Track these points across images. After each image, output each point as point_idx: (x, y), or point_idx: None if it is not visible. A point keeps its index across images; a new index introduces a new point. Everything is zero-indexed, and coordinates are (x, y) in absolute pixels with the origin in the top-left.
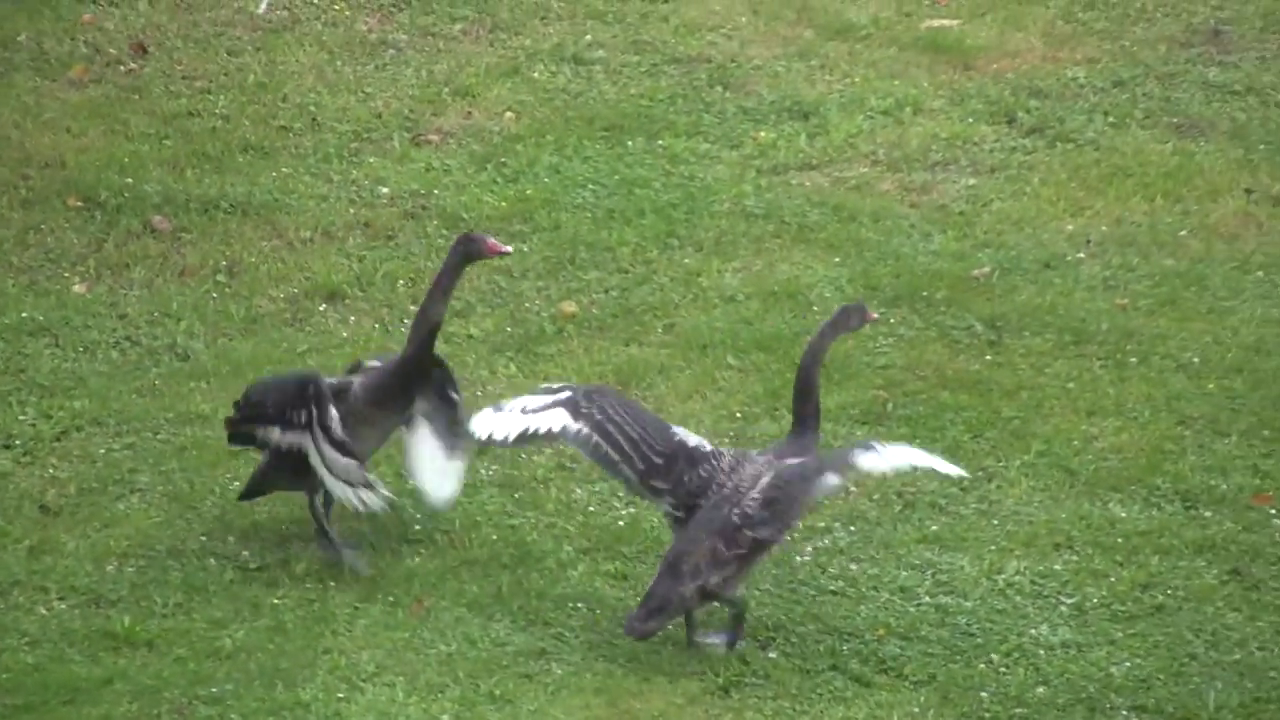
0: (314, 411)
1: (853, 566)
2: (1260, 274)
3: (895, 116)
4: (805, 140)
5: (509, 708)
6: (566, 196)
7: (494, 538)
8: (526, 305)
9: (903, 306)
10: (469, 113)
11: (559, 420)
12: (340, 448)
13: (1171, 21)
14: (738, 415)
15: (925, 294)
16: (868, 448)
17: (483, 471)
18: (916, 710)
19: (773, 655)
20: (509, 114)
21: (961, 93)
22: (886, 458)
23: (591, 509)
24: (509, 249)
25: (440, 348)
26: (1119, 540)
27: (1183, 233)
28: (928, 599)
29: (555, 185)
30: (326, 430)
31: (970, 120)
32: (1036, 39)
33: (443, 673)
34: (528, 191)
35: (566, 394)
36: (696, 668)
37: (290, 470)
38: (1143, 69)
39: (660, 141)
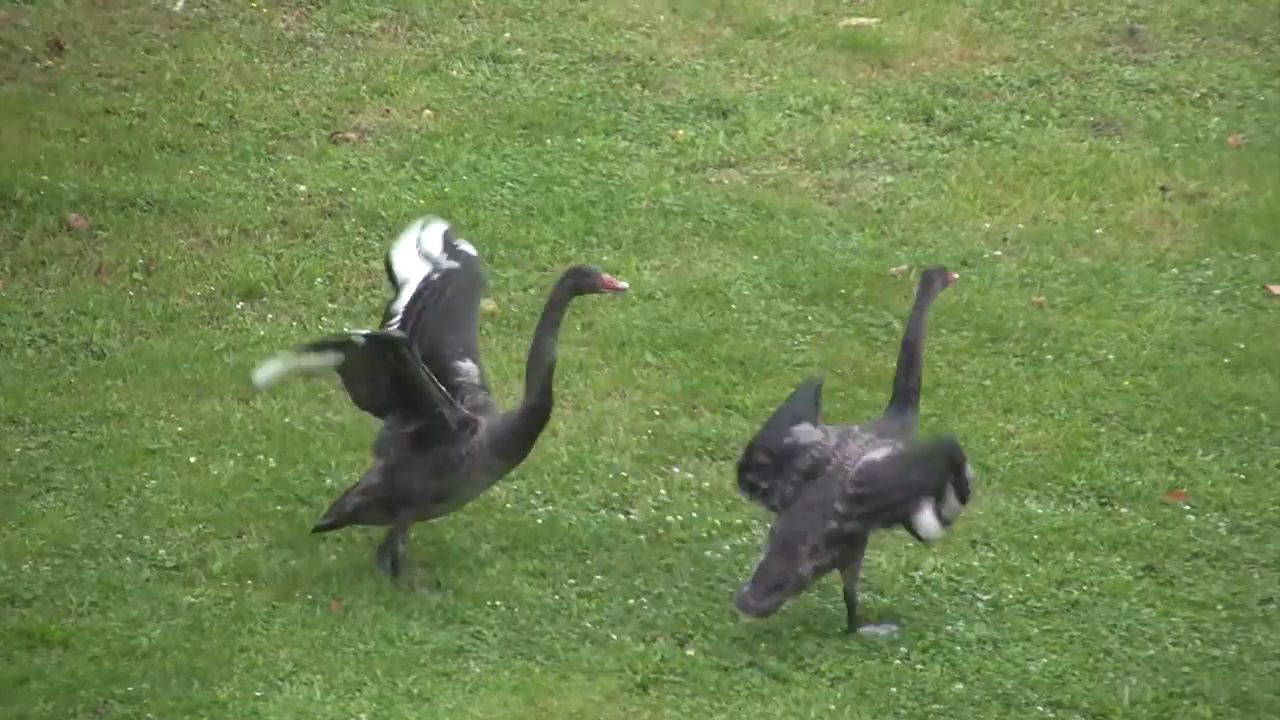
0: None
1: None
2: (1175, 271)
3: (813, 114)
4: (724, 138)
5: (426, 706)
6: (485, 194)
7: (411, 535)
8: None
9: (820, 304)
10: (387, 110)
11: None
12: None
13: (1088, 21)
14: (656, 413)
15: (843, 292)
16: (957, 496)
17: None
18: (833, 706)
19: (690, 652)
20: (427, 112)
21: (879, 91)
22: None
23: (509, 506)
24: (624, 286)
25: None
26: (1035, 537)
27: (1099, 230)
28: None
29: (474, 183)
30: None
31: (888, 118)
32: (954, 37)
33: (360, 671)
34: (446, 189)
35: None
36: (614, 665)
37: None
38: (1059, 68)
39: (579, 139)
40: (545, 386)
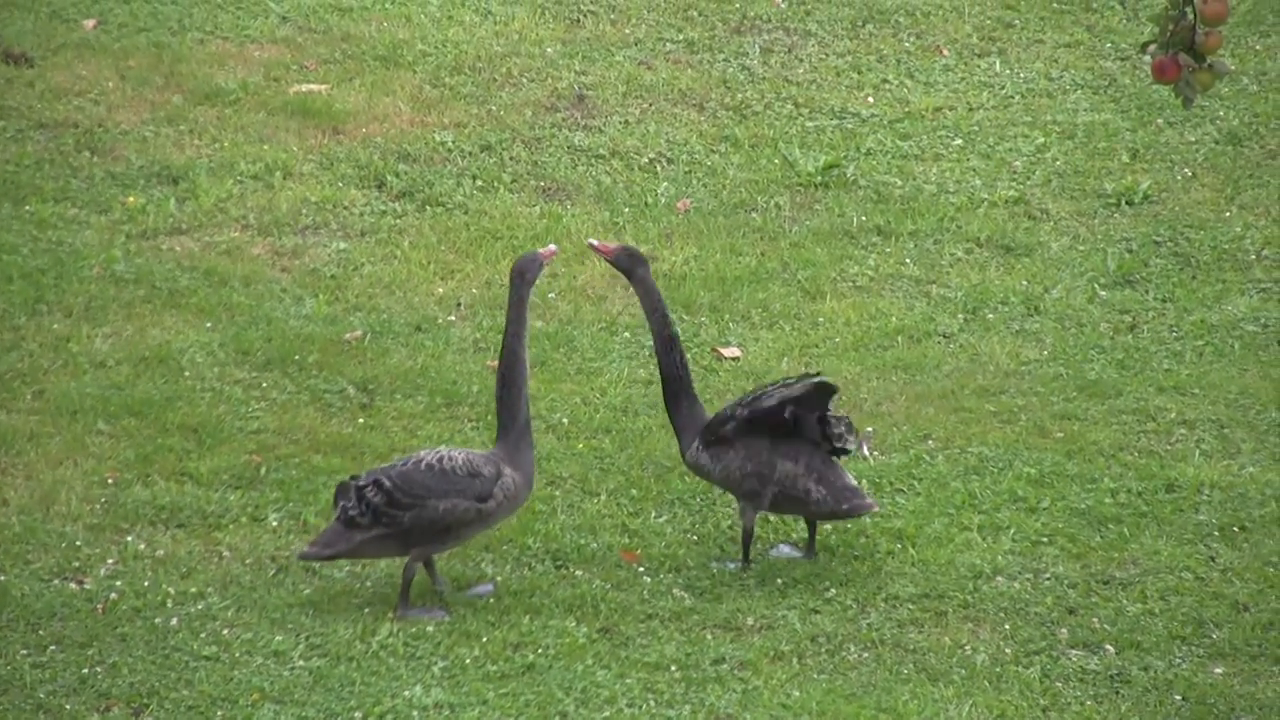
0: None
1: (225, 631)
2: (627, 335)
3: (265, 181)
4: (175, 205)
5: None
6: None
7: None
8: None
9: (275, 370)
10: None
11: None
12: None
13: (537, 87)
14: (109, 481)
15: (297, 358)
16: None
17: None
18: None
19: None
20: None
21: (331, 157)
22: None
23: None
24: (554, 247)
25: None
26: (491, 600)
27: (551, 295)
28: (301, 663)
29: None
30: None
31: (340, 184)
32: (404, 104)
33: None
34: None
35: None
36: None
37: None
38: (510, 133)
39: (28, 207)
40: (527, 404)
